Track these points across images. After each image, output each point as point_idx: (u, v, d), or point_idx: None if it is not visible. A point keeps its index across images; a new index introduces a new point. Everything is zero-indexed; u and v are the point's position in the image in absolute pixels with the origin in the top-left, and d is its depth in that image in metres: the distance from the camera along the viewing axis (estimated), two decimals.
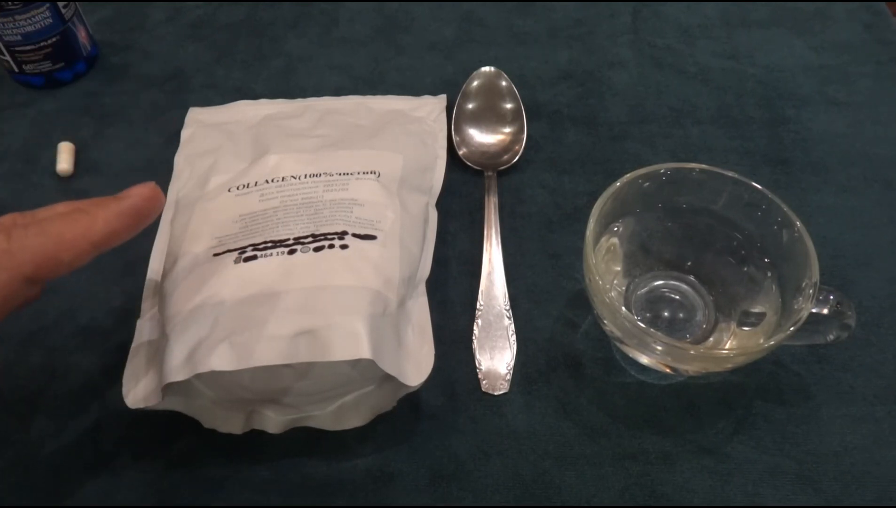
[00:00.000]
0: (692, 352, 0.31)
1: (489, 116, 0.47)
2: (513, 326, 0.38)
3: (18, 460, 0.34)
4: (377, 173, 0.39)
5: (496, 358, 0.37)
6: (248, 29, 0.55)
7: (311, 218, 0.36)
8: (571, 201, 0.44)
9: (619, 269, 0.38)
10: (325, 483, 0.33)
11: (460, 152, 0.45)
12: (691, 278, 0.37)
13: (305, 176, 0.38)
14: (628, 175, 0.35)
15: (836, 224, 0.42)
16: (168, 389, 0.31)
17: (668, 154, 0.46)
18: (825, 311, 0.32)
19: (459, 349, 0.37)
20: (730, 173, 0.35)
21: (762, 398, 0.35)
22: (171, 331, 0.32)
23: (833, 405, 0.35)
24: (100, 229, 0.27)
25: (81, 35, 0.50)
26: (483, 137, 0.46)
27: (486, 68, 0.49)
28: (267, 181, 0.38)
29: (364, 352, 0.30)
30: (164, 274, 0.36)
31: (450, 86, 0.49)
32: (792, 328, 0.30)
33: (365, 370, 0.32)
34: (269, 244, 0.34)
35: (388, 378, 0.32)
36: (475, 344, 0.37)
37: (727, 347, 0.35)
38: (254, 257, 0.34)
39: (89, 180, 0.45)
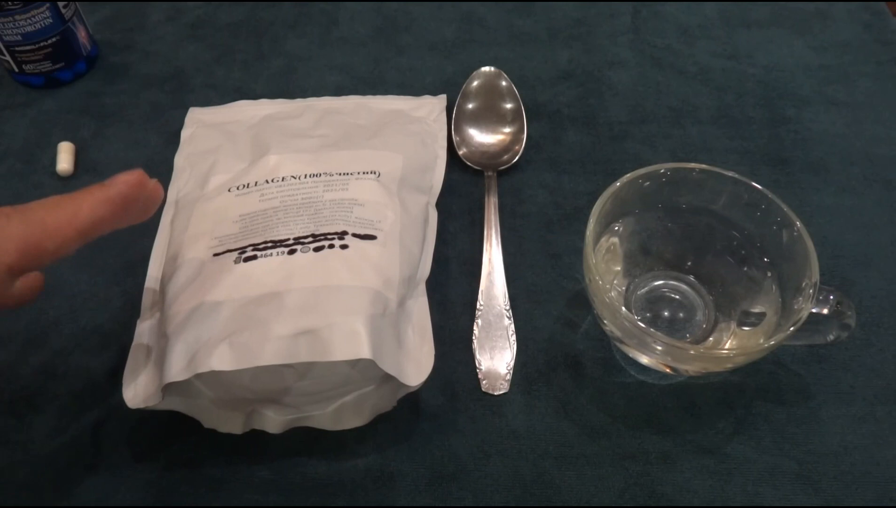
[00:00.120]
0: (692, 352, 0.31)
1: (489, 116, 0.47)
2: (513, 326, 0.38)
3: (18, 460, 0.34)
4: (377, 173, 0.39)
5: (496, 358, 0.37)
6: (248, 29, 0.55)
7: (311, 218, 0.36)
8: (571, 201, 0.44)
9: (619, 269, 0.38)
10: (325, 483, 0.33)
11: (460, 152, 0.45)
12: (691, 278, 0.37)
13: (305, 176, 0.38)
14: (628, 175, 0.35)
15: (836, 224, 0.42)
16: (168, 389, 0.31)
17: (668, 154, 0.46)
18: (825, 311, 0.32)
19: (459, 349, 0.37)
20: (730, 173, 0.35)
21: (762, 398, 0.35)
22: (172, 331, 0.32)
23: (833, 405, 0.35)
24: (85, 216, 0.26)
25: (81, 35, 0.50)
26: (483, 137, 0.46)
27: (486, 68, 0.49)
28: (267, 181, 0.38)
29: (364, 352, 0.30)
30: (165, 274, 0.36)
31: (450, 86, 0.49)
32: (792, 328, 0.30)
33: (365, 370, 0.32)
34: (269, 244, 0.34)
35: (388, 378, 0.32)
36: (475, 344, 0.37)
37: (727, 347, 0.35)
38: (254, 257, 0.34)
39: (89, 180, 0.45)
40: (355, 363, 0.31)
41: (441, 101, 0.47)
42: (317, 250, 0.34)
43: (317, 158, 0.39)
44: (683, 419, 0.35)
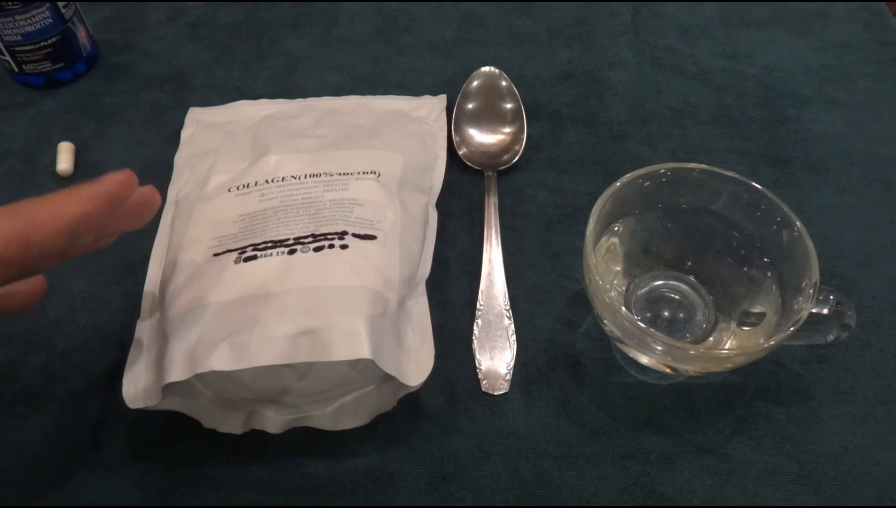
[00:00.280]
0: (692, 352, 0.31)
1: (489, 116, 0.47)
2: (513, 326, 0.38)
3: (18, 460, 0.34)
4: (377, 173, 0.39)
5: (496, 358, 0.37)
6: (248, 29, 0.55)
7: (311, 218, 0.36)
8: (571, 201, 0.44)
9: (619, 269, 0.38)
10: (325, 483, 0.33)
11: (460, 152, 0.45)
12: (691, 278, 0.37)
13: (305, 176, 0.38)
14: (628, 175, 0.35)
15: (836, 224, 0.42)
16: (168, 389, 0.31)
17: (668, 154, 0.46)
18: (825, 311, 0.32)
19: (459, 349, 0.37)
20: (730, 173, 0.35)
21: (762, 398, 0.35)
22: (171, 331, 0.32)
23: (833, 405, 0.35)
24: (73, 210, 0.26)
25: (81, 35, 0.50)
26: (483, 137, 0.46)
27: (486, 68, 0.49)
28: (267, 181, 0.38)
29: (364, 352, 0.30)
30: (164, 275, 0.36)
31: (450, 86, 0.49)
32: (792, 328, 0.30)
33: (365, 370, 0.32)
34: (270, 244, 0.34)
35: (388, 378, 0.32)
36: (475, 344, 0.37)
37: (727, 347, 0.35)
38: (254, 257, 0.34)
39: (89, 180, 0.45)
40: (355, 363, 0.31)
41: (441, 101, 0.47)
42: (317, 250, 0.34)
43: (317, 158, 0.39)
44: (683, 419, 0.35)
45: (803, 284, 0.32)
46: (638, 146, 0.46)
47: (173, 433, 0.34)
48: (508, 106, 0.47)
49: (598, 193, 0.35)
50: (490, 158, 0.45)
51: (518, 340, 0.37)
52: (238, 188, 0.38)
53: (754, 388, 0.36)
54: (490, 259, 0.40)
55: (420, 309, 0.35)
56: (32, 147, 0.47)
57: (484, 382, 0.36)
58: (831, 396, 0.35)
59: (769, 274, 0.35)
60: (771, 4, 0.56)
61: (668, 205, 0.37)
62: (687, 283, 0.37)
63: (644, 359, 0.34)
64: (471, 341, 0.37)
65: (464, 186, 0.44)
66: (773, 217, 0.34)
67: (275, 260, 0.33)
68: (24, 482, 0.33)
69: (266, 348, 0.30)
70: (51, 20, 0.47)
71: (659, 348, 0.31)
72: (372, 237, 0.35)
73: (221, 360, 0.30)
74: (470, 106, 0.47)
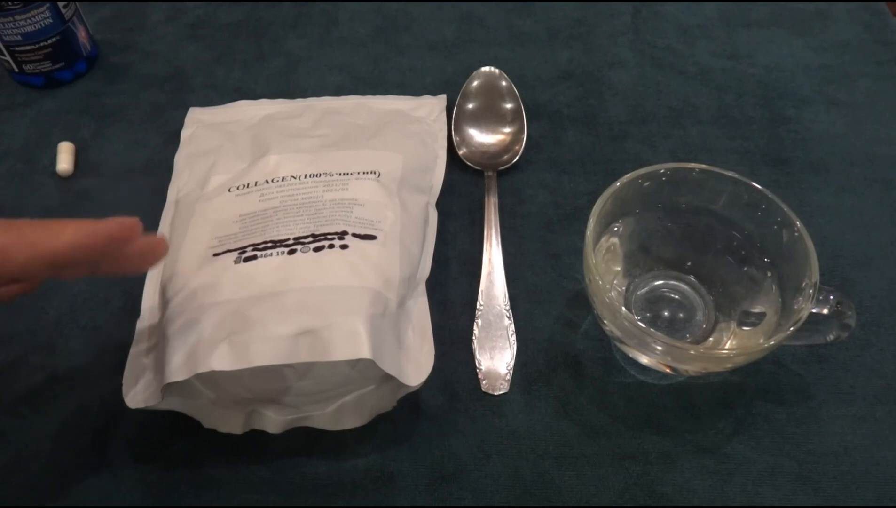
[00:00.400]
0: (692, 352, 0.31)
1: (489, 116, 0.47)
2: (513, 326, 0.38)
3: (18, 460, 0.34)
4: (377, 173, 0.39)
5: (496, 358, 0.37)
6: (248, 29, 0.55)
7: (311, 218, 0.36)
8: (571, 201, 0.44)
9: (619, 269, 0.38)
10: (325, 483, 0.33)
11: (460, 152, 0.45)
12: (691, 278, 0.37)
13: (305, 176, 0.38)
14: (628, 175, 0.35)
15: (836, 224, 0.42)
16: (168, 389, 0.31)
17: (668, 154, 0.46)
18: (825, 311, 0.32)
19: (459, 349, 0.37)
20: (730, 173, 0.35)
21: (762, 398, 0.35)
22: (171, 331, 0.32)
23: (833, 405, 0.35)
24: (65, 239, 0.26)
25: (81, 35, 0.50)
26: (483, 137, 0.46)
27: (486, 68, 0.49)
28: (267, 181, 0.38)
29: (364, 352, 0.30)
30: (165, 274, 0.36)
31: (450, 86, 0.49)
32: (792, 328, 0.30)
33: (365, 370, 0.32)
34: (270, 244, 0.34)
35: (388, 378, 0.32)
36: (475, 344, 0.37)
37: (727, 347, 0.35)
38: (254, 257, 0.34)
39: (89, 180, 0.45)
40: (355, 363, 0.31)
41: (441, 101, 0.47)
42: (317, 250, 0.34)
43: (317, 158, 0.39)
44: (683, 419, 0.35)
45: (803, 284, 0.32)
46: (638, 146, 0.46)
47: (173, 433, 0.34)
48: (508, 106, 0.47)
49: (598, 193, 0.35)
50: (490, 158, 0.45)
51: (518, 340, 0.37)
52: (238, 188, 0.38)
53: (754, 388, 0.36)
54: (490, 259, 0.40)
55: (420, 309, 0.35)
56: (32, 147, 0.47)
57: (484, 382, 0.36)
58: (831, 396, 0.35)
59: (769, 274, 0.35)
60: (771, 4, 0.56)
61: (668, 205, 0.37)
62: (687, 283, 0.37)
63: (644, 359, 0.34)
64: (471, 341, 0.37)
65: (464, 186, 0.44)
66: (773, 217, 0.34)
67: (275, 260, 0.33)
68: (24, 482, 0.33)
69: (266, 348, 0.30)
70: (51, 20, 0.47)
71: (659, 348, 0.31)
72: (372, 237, 0.35)
73: (221, 360, 0.30)
74: (470, 106, 0.47)
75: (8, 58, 0.48)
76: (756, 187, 0.35)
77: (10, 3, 0.44)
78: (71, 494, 0.33)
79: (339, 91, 0.50)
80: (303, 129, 0.43)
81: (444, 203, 0.43)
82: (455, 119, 0.47)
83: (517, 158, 0.45)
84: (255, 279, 0.32)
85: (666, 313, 0.37)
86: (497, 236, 0.41)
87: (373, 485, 0.33)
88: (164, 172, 0.44)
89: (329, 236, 0.34)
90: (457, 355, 0.37)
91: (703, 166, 0.35)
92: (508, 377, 0.36)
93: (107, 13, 0.56)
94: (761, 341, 0.31)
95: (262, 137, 0.42)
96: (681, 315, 0.36)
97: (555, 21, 0.55)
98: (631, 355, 0.35)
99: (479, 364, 0.36)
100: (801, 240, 0.33)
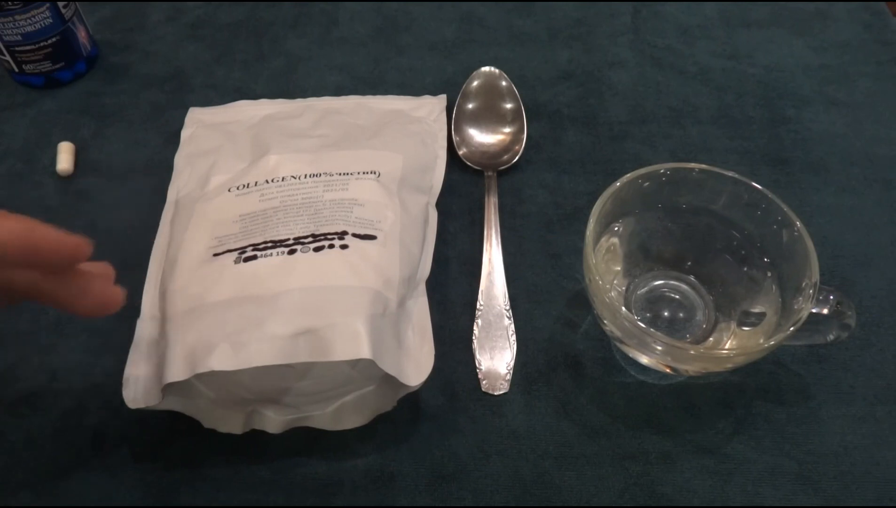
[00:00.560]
0: (692, 352, 0.31)
1: (489, 116, 0.47)
2: (513, 326, 0.38)
3: (18, 460, 0.34)
4: (377, 173, 0.39)
5: (496, 358, 0.37)
6: (248, 29, 0.55)
7: (311, 218, 0.36)
8: (571, 201, 0.44)
9: (619, 269, 0.38)
10: (325, 483, 0.33)
11: (460, 152, 0.45)
12: (691, 278, 0.37)
13: (305, 176, 0.38)
14: (628, 175, 0.35)
15: (836, 224, 0.42)
16: (168, 389, 0.31)
17: (668, 154, 0.46)
18: (825, 311, 0.32)
19: (459, 349, 0.37)
20: (730, 173, 0.35)
21: (762, 398, 0.35)
22: (171, 331, 0.32)
23: (833, 405, 0.35)
24: (40, 237, 0.24)
25: (81, 35, 0.50)
26: (483, 137, 0.46)
27: (486, 68, 0.49)
28: (267, 181, 0.38)
29: (364, 352, 0.30)
30: (164, 274, 0.36)
31: (450, 86, 0.49)
32: (792, 328, 0.30)
33: (365, 370, 0.32)
34: (269, 244, 0.34)
35: (388, 378, 0.32)
36: (475, 344, 0.37)
37: (727, 347, 0.35)
38: (254, 257, 0.34)
39: (89, 180, 0.45)
40: (355, 363, 0.31)
41: (441, 101, 0.47)
42: (317, 250, 0.34)
43: (317, 158, 0.39)
44: (683, 419, 0.35)
45: (803, 284, 0.32)
46: (638, 146, 0.46)
47: (173, 433, 0.34)
48: (508, 106, 0.47)
49: (598, 193, 0.35)
50: (490, 158, 0.45)
51: (518, 340, 0.37)
52: (238, 188, 0.38)
53: (754, 388, 0.36)
54: (490, 259, 0.40)
55: (420, 309, 0.35)
56: (32, 147, 0.47)
57: (484, 382, 0.36)
58: (831, 396, 0.35)
59: (769, 274, 0.35)
60: (771, 4, 0.56)
61: (668, 205, 0.37)
62: (687, 283, 0.37)
63: (644, 359, 0.34)
64: (471, 341, 0.37)
65: (464, 186, 0.44)
66: (773, 217, 0.34)
67: (275, 260, 0.33)
68: (24, 482, 0.33)
69: (266, 348, 0.30)
70: (51, 20, 0.47)
71: (659, 348, 0.31)
72: (372, 237, 0.35)
73: (221, 360, 0.30)
74: (470, 106, 0.47)
75: (8, 58, 0.48)
76: (756, 187, 0.35)
77: (10, 3, 0.44)
78: (71, 494, 0.33)
79: (339, 91, 0.50)
80: (303, 129, 0.43)
81: (444, 203, 0.43)
82: (455, 119, 0.47)
83: (517, 158, 0.45)
84: (254, 279, 0.32)
85: (666, 314, 0.37)
86: (497, 236, 0.41)
87: (373, 485, 0.33)
88: (164, 172, 0.44)
89: (329, 236, 0.34)
90: (457, 355, 0.37)
91: (703, 166, 0.35)
92: (508, 377, 0.36)
93: (107, 13, 0.56)
94: (761, 341, 0.31)
95: (262, 137, 0.42)
96: (681, 315, 0.36)
97: (555, 21, 0.55)
98: (631, 355, 0.35)
99: (479, 364, 0.36)
100: (801, 240, 0.33)
